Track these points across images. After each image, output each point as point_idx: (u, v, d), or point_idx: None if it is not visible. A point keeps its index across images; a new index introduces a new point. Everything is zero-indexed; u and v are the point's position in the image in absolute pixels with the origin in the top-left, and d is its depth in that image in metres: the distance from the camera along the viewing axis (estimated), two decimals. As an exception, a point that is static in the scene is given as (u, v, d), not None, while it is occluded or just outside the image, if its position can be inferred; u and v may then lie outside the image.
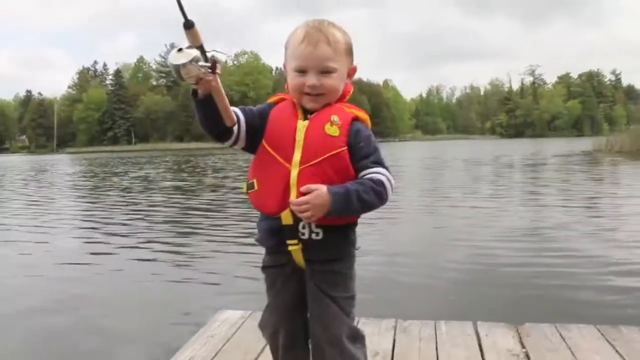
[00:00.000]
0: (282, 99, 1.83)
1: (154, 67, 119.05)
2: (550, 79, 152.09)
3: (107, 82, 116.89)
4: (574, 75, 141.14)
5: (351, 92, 1.83)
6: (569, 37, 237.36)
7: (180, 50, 1.48)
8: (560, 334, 2.92)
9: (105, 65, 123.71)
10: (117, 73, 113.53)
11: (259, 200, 1.74)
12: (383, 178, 1.67)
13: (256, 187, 1.73)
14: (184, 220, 10.03)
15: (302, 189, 1.62)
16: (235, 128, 1.70)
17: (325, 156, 1.66)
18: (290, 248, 1.69)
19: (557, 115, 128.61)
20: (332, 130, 1.69)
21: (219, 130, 1.69)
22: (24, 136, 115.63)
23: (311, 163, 1.66)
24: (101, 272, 6.08)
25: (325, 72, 1.69)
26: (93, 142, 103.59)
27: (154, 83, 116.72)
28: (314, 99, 1.73)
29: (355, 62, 1.80)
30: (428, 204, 11.00)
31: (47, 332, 4.16)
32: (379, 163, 1.71)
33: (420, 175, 20.15)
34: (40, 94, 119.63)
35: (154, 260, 6.67)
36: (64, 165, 38.26)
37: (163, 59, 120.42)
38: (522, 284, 5.02)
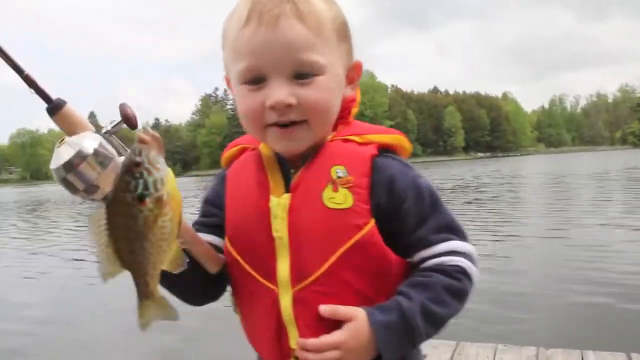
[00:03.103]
0: (243, 150, 1.06)
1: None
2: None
3: (228, 106, 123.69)
4: None
5: (357, 102, 1.03)
6: None
7: (62, 141, 0.88)
8: None
9: (225, 91, 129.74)
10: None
11: (249, 334, 1.04)
12: (462, 261, 0.93)
13: (238, 312, 1.05)
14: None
15: (324, 310, 0.90)
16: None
17: (337, 255, 0.90)
18: None
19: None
20: (339, 198, 0.91)
21: (211, 294, 1.03)
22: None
23: (314, 277, 0.91)
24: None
25: (303, 74, 0.89)
26: (216, 165, 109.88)
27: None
28: (288, 134, 0.92)
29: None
30: (556, 226, 10.30)
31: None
32: (449, 228, 0.96)
33: (548, 192, 19.03)
34: (167, 121, 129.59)
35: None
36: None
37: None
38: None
